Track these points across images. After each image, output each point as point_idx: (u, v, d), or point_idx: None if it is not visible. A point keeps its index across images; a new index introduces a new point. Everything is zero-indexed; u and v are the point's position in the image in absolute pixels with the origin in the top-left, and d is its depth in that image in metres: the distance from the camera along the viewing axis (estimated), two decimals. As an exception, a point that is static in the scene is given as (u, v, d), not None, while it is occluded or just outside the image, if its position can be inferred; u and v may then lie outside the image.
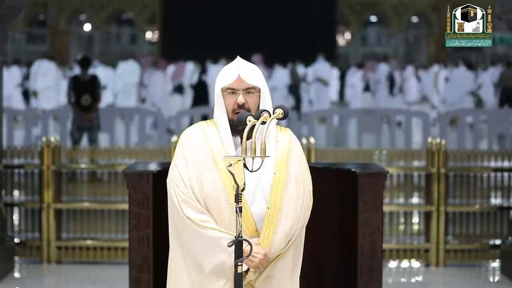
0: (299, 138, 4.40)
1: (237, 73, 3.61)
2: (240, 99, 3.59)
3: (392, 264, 7.68)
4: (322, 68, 21.38)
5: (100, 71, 20.61)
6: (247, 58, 3.99)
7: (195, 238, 3.52)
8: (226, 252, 3.45)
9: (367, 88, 20.59)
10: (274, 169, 3.59)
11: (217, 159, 3.56)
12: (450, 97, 19.64)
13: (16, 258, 7.62)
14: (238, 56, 3.71)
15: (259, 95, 3.62)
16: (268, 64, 21.41)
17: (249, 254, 3.39)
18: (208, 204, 3.56)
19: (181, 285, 3.61)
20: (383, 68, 21.04)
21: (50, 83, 20.16)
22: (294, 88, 20.65)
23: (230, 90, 3.61)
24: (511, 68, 19.78)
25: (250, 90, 3.60)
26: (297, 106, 19.90)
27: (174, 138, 7.85)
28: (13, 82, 20.39)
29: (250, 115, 3.47)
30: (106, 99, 20.18)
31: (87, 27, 35.45)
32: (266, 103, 3.62)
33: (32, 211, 7.82)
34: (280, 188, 3.57)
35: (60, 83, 20.72)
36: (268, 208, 3.55)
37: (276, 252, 3.56)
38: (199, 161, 3.58)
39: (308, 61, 22.49)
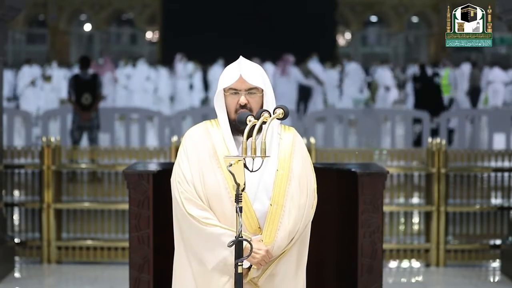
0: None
1: (239, 73, 3.60)
2: (242, 99, 3.58)
3: (392, 264, 7.68)
4: (315, 68, 21.38)
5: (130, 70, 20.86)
6: (253, 58, 3.99)
7: (198, 235, 3.52)
8: (228, 248, 3.45)
9: None
10: (277, 167, 3.59)
11: (219, 158, 3.57)
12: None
13: (16, 258, 7.62)
14: (241, 56, 3.69)
15: (262, 96, 3.62)
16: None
17: (250, 253, 3.39)
18: (211, 203, 3.56)
19: (185, 282, 3.61)
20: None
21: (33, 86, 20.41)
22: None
23: (233, 91, 3.60)
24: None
25: (252, 90, 3.59)
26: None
27: (174, 138, 7.84)
28: None
29: (250, 115, 3.47)
30: (125, 98, 20.41)
31: (87, 27, 35.48)
32: (270, 103, 3.61)
33: (32, 211, 7.82)
34: (282, 185, 3.57)
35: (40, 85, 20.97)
36: (271, 204, 3.55)
37: (279, 250, 3.56)
38: (201, 160, 3.59)
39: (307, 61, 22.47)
